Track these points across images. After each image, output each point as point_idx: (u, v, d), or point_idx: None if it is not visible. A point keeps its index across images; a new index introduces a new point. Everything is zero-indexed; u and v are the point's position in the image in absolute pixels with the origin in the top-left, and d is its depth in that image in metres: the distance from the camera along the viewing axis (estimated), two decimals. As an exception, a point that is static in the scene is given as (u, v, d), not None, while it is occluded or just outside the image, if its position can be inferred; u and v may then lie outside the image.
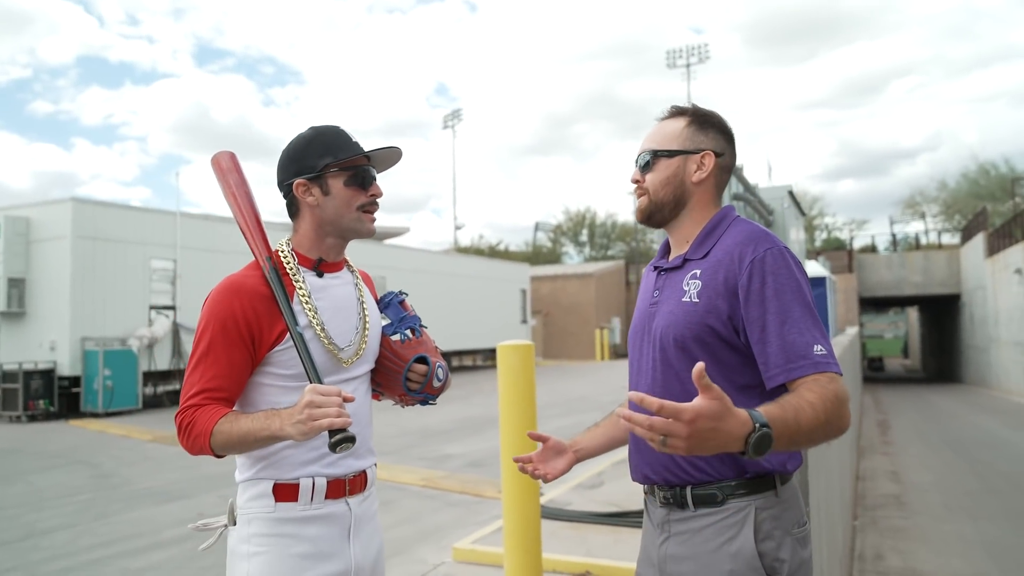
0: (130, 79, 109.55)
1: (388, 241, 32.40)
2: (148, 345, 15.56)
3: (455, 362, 29.85)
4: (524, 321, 31.55)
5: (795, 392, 1.39)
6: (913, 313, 46.29)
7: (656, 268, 1.74)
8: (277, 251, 1.72)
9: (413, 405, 1.89)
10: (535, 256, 48.96)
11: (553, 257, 52.53)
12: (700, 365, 1.23)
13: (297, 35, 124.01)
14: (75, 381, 14.63)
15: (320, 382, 1.55)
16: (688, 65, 42.84)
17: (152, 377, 16.14)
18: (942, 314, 33.35)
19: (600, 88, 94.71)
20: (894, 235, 41.94)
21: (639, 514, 5.39)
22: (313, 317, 1.65)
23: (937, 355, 37.65)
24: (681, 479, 1.57)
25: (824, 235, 48.88)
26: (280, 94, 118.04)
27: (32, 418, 14.09)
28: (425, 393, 1.83)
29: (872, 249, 38.99)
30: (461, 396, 16.57)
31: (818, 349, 1.42)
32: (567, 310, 35.89)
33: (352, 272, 1.85)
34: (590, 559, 4.48)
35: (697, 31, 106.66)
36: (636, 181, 1.72)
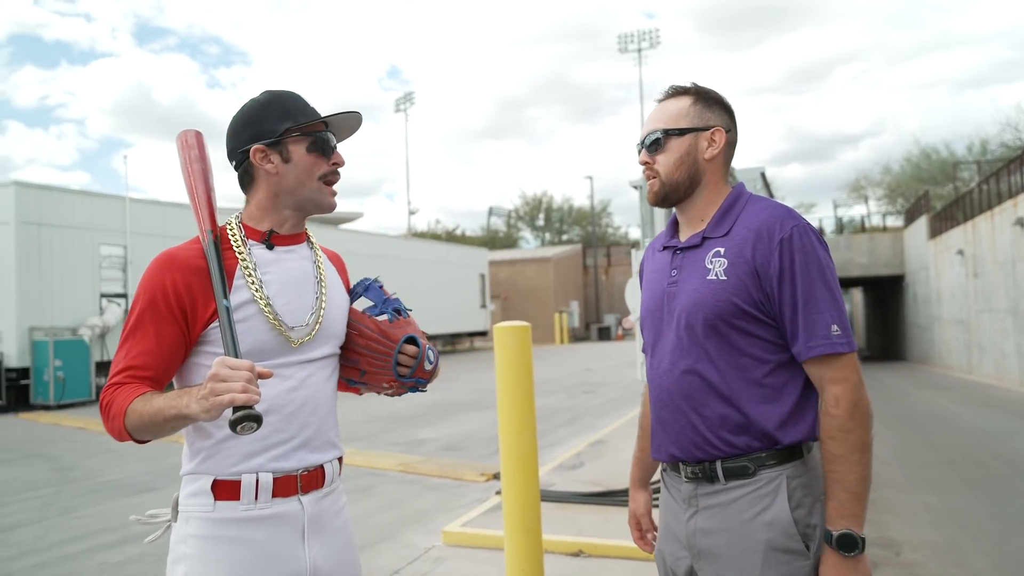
0: (67, 59, 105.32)
1: (343, 226, 31.90)
2: (100, 334, 15.06)
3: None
4: (483, 306, 31.51)
5: (824, 453, 1.51)
6: (858, 294, 47.76)
7: (667, 247, 1.72)
8: (225, 226, 1.60)
9: (403, 393, 1.75)
10: (491, 241, 48.91)
11: (509, 242, 52.55)
12: None
13: (243, 14, 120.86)
14: (24, 373, 14.08)
15: (235, 356, 1.39)
16: (640, 50, 43.12)
17: (105, 367, 15.59)
18: (886, 294, 34.50)
19: (553, 72, 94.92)
20: (839, 218, 43.14)
21: (625, 493, 5.47)
22: (257, 291, 1.52)
23: (882, 334, 38.96)
24: (710, 455, 1.57)
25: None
26: (226, 75, 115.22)
27: (-22, 412, 13.54)
28: (416, 377, 1.69)
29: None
30: (425, 381, 16.46)
31: (835, 330, 1.49)
32: (526, 294, 36.00)
33: (312, 248, 1.70)
34: (582, 538, 4.52)
35: (649, 16, 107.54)
36: (645, 163, 1.69)
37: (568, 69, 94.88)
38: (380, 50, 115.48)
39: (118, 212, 16.08)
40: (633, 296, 5.03)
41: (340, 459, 1.67)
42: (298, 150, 1.57)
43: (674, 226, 1.75)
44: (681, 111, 1.66)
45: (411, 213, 48.22)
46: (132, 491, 6.89)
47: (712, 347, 1.56)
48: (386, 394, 1.77)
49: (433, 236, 47.56)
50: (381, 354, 1.67)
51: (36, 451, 9.35)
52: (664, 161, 1.66)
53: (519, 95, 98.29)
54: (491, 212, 55.13)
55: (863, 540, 1.45)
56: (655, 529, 1.90)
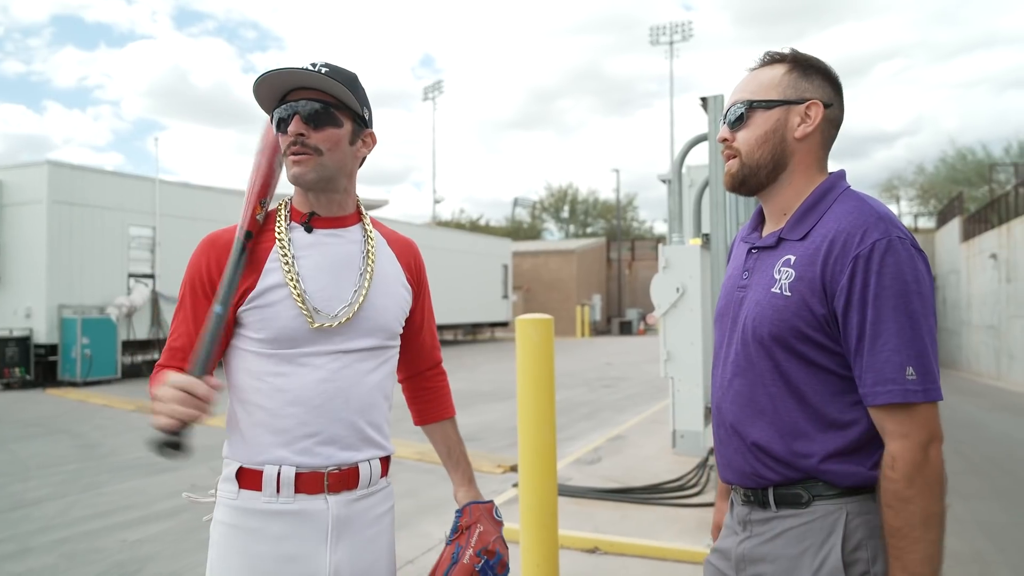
0: (105, 40, 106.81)
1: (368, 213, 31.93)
2: (127, 314, 15.26)
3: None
4: (505, 296, 31.50)
5: (884, 524, 1.28)
6: (886, 296, 46.98)
7: (745, 242, 1.52)
8: (275, 209, 1.58)
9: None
10: (515, 232, 48.86)
11: (533, 233, 52.47)
12: None
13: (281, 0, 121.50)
14: (52, 349, 14.31)
15: (199, 366, 1.35)
16: (671, 43, 42.66)
17: (131, 346, 15.82)
18: (915, 297, 33.95)
19: (587, 63, 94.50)
20: (870, 218, 42.31)
21: (644, 490, 5.42)
22: (287, 272, 1.46)
23: (908, 337, 38.33)
24: (758, 483, 1.41)
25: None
26: (261, 60, 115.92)
27: (7, 386, 13.80)
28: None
29: (849, 232, 39.34)
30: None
31: (909, 373, 1.24)
32: (548, 286, 35.94)
33: (366, 232, 1.61)
34: (598, 535, 4.49)
35: (687, 7, 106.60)
36: (724, 140, 1.46)
37: (602, 60, 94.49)
38: (414, 39, 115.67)
39: (148, 193, 16.25)
40: (659, 292, 4.96)
41: (385, 460, 1.57)
42: (274, 131, 1.54)
43: (759, 217, 1.54)
44: (772, 80, 1.42)
45: (436, 202, 48.30)
46: (155, 470, 6.96)
47: (768, 370, 1.37)
48: None
49: (457, 225, 47.62)
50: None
51: (62, 427, 9.51)
52: (745, 138, 1.43)
53: (550, 86, 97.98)
54: (516, 203, 55.06)
55: None
56: None
